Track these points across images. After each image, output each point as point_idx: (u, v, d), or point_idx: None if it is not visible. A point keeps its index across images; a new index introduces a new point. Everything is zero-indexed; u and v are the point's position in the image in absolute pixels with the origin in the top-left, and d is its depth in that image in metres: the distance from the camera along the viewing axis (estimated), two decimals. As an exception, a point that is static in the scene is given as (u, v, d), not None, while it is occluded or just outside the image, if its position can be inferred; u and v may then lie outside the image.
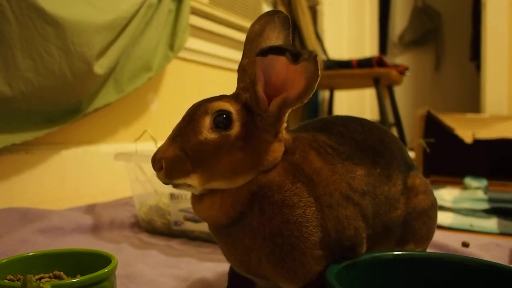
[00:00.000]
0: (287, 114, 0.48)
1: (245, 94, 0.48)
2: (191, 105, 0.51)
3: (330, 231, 0.48)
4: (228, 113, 0.47)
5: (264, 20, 0.54)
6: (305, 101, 0.45)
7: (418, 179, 0.60)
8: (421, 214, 0.59)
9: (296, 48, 0.40)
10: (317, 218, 0.47)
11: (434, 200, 0.63)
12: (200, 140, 0.46)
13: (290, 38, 0.55)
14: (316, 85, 0.43)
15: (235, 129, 0.47)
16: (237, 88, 0.52)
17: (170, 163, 0.46)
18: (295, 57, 0.39)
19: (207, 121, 0.47)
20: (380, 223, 0.53)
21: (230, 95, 0.50)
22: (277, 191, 0.47)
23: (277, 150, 0.49)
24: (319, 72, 0.42)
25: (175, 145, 0.47)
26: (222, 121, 0.46)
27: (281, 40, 0.54)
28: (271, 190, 0.47)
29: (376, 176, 0.53)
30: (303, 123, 0.60)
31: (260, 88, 0.46)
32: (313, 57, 0.40)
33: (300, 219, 0.47)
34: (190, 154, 0.46)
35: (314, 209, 0.47)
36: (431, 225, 0.62)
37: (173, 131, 0.49)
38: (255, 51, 0.51)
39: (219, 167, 0.46)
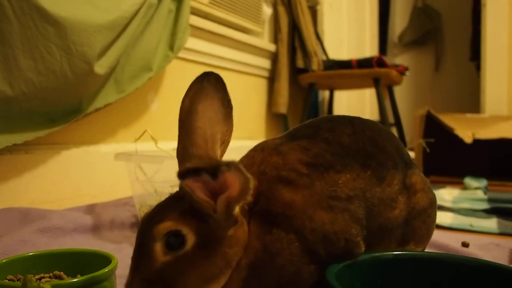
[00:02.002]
0: (237, 208, 0.45)
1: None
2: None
3: (318, 251, 0.48)
4: (176, 232, 0.43)
5: (193, 91, 0.50)
6: (249, 197, 0.43)
7: (415, 177, 0.60)
8: (420, 213, 0.59)
9: (214, 162, 0.37)
10: (302, 250, 0.47)
11: (433, 198, 0.62)
12: (157, 267, 0.43)
13: (228, 97, 0.52)
14: (250, 186, 0.40)
15: (190, 241, 0.43)
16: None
17: None
18: (214, 175, 0.37)
19: (158, 247, 0.43)
20: (375, 224, 0.53)
21: (173, 201, 0.47)
22: (262, 253, 0.46)
23: (241, 236, 0.46)
24: (247, 175, 0.39)
25: (138, 277, 0.44)
26: (173, 242, 0.43)
27: (216, 106, 0.51)
28: (258, 259, 0.46)
29: (366, 179, 0.52)
30: (292, 130, 0.59)
31: (200, 194, 0.42)
32: (234, 166, 0.38)
33: (287, 261, 0.46)
34: (155, 281, 0.43)
35: (297, 243, 0.47)
36: (430, 223, 0.61)
37: (132, 260, 0.45)
38: (188, 133, 0.49)
39: (189, 284, 0.43)
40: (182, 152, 0.49)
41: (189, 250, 0.43)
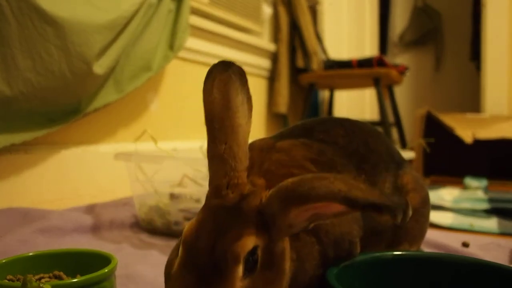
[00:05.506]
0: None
1: (254, 202, 0.40)
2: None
3: (329, 253, 0.48)
4: (255, 249, 0.39)
5: (220, 82, 0.45)
6: None
7: (407, 177, 0.60)
8: (413, 213, 0.59)
9: (402, 203, 0.35)
10: (320, 252, 0.48)
11: (425, 196, 0.62)
12: None
13: (250, 93, 0.47)
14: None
15: (259, 259, 0.39)
16: (218, 184, 0.42)
17: None
18: (404, 218, 0.35)
19: (239, 270, 0.37)
20: (369, 227, 0.53)
21: (231, 213, 0.40)
22: (296, 258, 0.45)
23: (287, 247, 0.43)
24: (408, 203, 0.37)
25: None
26: (252, 263, 0.38)
27: (245, 101, 0.45)
28: (296, 266, 0.45)
29: None
30: (285, 130, 0.59)
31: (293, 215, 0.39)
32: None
33: (311, 266, 0.46)
34: None
35: (317, 246, 0.47)
36: (423, 222, 0.61)
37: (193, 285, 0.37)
38: (232, 132, 0.43)
39: None
40: (228, 152, 0.43)
41: (259, 269, 0.39)
